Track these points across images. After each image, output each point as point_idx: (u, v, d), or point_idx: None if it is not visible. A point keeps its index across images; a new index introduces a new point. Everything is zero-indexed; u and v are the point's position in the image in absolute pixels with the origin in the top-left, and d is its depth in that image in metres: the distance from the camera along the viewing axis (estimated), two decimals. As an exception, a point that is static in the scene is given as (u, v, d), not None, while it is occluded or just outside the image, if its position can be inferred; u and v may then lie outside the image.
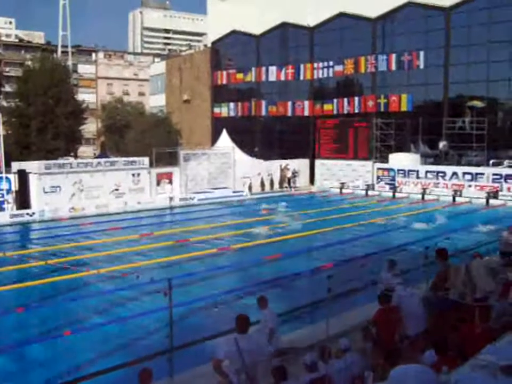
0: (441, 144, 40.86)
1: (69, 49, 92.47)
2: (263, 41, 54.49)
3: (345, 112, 46.83)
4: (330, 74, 48.21)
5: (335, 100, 47.81)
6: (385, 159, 43.24)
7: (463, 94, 42.36)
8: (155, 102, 73.56)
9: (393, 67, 43.71)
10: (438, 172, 39.66)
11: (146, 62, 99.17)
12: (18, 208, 32.74)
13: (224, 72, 57.05)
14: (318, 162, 47.33)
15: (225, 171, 43.47)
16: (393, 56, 43.43)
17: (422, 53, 41.79)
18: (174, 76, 68.14)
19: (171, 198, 37.83)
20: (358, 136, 45.09)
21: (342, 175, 45.10)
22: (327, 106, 48.43)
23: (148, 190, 38.55)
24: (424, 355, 7.32)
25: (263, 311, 10.47)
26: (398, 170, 41.51)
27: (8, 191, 32.72)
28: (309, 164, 48.37)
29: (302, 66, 49.90)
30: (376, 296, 10.87)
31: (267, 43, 54.10)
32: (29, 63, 62.82)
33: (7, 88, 72.06)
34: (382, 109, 44.51)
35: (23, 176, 33.35)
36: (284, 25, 52.38)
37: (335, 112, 47.64)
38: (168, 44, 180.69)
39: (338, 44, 47.74)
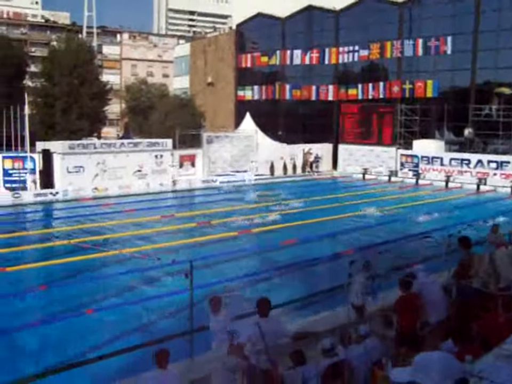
0: (467, 131, 40.34)
1: (94, 30, 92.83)
2: (288, 24, 54.05)
3: (370, 97, 46.38)
4: (356, 59, 47.70)
5: (359, 85, 47.33)
6: (409, 146, 42.82)
7: (490, 80, 41.70)
8: (179, 84, 73.50)
9: (420, 52, 43.10)
10: (462, 160, 39.17)
11: (171, 44, 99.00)
12: (42, 188, 33.05)
13: (249, 55, 56.71)
14: (341, 147, 47.01)
15: (247, 154, 43.40)
16: (420, 41, 42.79)
17: (449, 38, 41.09)
18: (198, 58, 68.01)
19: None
20: (382, 122, 44.68)
21: (365, 161, 44.76)
22: (351, 91, 48.00)
23: (170, 171, 38.64)
24: (443, 344, 7.25)
25: (215, 314, 9.40)
26: (422, 157, 41.08)
27: (31, 170, 33.00)
28: (332, 148, 48.10)
29: (327, 50, 49.43)
30: (396, 283, 10.77)
31: (292, 26, 53.64)
32: (55, 43, 63.06)
33: (33, 68, 72.39)
34: (407, 95, 43.99)
35: (47, 155, 33.63)
36: (309, 8, 51.88)
37: (359, 97, 47.20)
38: (193, 26, 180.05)
39: (364, 28, 47.11)
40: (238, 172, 41.62)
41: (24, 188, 32.48)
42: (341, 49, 48.49)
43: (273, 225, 24.74)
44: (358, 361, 8.33)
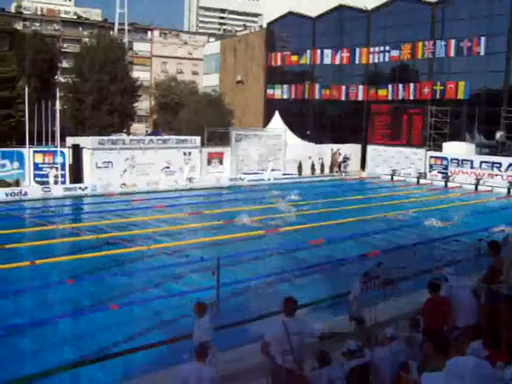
0: (498, 134, 39.76)
1: (125, 27, 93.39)
2: (319, 24, 53.80)
3: (400, 98, 46.04)
4: (386, 59, 47.38)
5: (389, 86, 47.04)
6: (438, 148, 42.36)
7: (524, 82, 41.08)
8: (208, 81, 73.73)
9: (452, 53, 42.60)
10: (493, 163, 38.56)
11: (201, 42, 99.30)
12: (71, 182, 33.39)
13: (279, 54, 56.71)
14: (369, 148, 46.65)
15: (276, 153, 43.32)
16: (452, 42, 42.29)
17: (483, 39, 40.51)
18: (228, 56, 68.15)
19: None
20: (411, 123, 44.23)
21: (393, 162, 44.38)
22: (381, 92, 47.71)
23: (198, 169, 38.76)
24: (470, 347, 7.15)
25: (199, 320, 9.20)
26: (452, 159, 40.56)
27: (53, 165, 33.17)
28: (360, 149, 47.82)
29: (357, 50, 49.20)
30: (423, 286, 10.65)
31: (323, 25, 53.37)
32: (86, 40, 63.75)
33: (64, 64, 73.25)
34: (438, 96, 43.54)
35: (77, 150, 33.98)
36: (340, 8, 51.60)
37: (389, 97, 46.88)
38: (223, 24, 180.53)
39: (396, 28, 46.68)
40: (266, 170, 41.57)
41: (55, 182, 32.83)
42: (371, 49, 48.23)
43: (300, 225, 24.63)
44: (383, 363, 8.27)
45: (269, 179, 40.18)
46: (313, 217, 26.33)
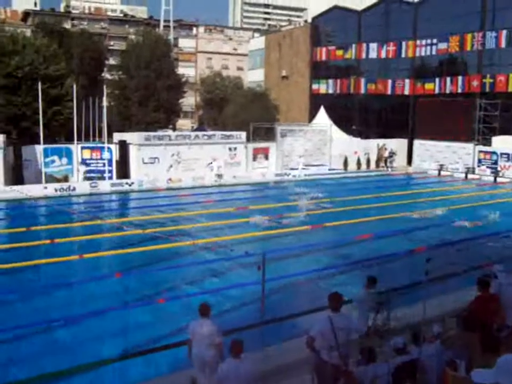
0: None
1: (171, 24, 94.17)
2: (364, 17, 53.20)
3: (448, 92, 45.19)
4: (434, 52, 46.59)
5: (437, 79, 46.23)
6: (487, 142, 41.45)
7: None
8: (253, 77, 73.79)
9: (503, 44, 41.46)
10: (545, 157, 37.62)
11: (246, 37, 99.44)
12: (118, 178, 33.87)
13: (324, 48, 56.40)
14: (416, 142, 45.97)
15: (321, 148, 43.09)
16: (504, 32, 41.16)
17: (536, 29, 39.43)
18: (273, 51, 68.07)
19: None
20: (460, 117, 43.29)
21: (441, 157, 43.63)
22: (428, 86, 46.93)
23: (244, 164, 38.83)
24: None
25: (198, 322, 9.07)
26: (501, 154, 39.65)
27: (81, 162, 33.52)
28: (407, 144, 47.18)
29: (404, 43, 48.51)
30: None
31: (368, 19, 52.75)
32: (132, 37, 64.55)
33: (111, 62, 74.37)
34: (487, 89, 42.57)
35: (124, 146, 34.43)
36: (386, 0, 50.96)
37: (436, 91, 46.10)
38: (268, 19, 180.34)
39: (443, 20, 45.66)
40: (312, 165, 41.33)
41: (102, 178, 33.34)
42: (418, 42, 47.48)
43: (346, 221, 24.44)
44: (430, 360, 8.15)
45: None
46: (360, 212, 26.11)
